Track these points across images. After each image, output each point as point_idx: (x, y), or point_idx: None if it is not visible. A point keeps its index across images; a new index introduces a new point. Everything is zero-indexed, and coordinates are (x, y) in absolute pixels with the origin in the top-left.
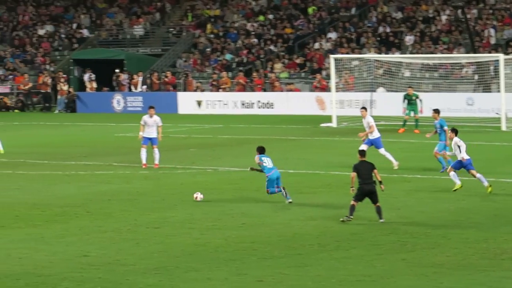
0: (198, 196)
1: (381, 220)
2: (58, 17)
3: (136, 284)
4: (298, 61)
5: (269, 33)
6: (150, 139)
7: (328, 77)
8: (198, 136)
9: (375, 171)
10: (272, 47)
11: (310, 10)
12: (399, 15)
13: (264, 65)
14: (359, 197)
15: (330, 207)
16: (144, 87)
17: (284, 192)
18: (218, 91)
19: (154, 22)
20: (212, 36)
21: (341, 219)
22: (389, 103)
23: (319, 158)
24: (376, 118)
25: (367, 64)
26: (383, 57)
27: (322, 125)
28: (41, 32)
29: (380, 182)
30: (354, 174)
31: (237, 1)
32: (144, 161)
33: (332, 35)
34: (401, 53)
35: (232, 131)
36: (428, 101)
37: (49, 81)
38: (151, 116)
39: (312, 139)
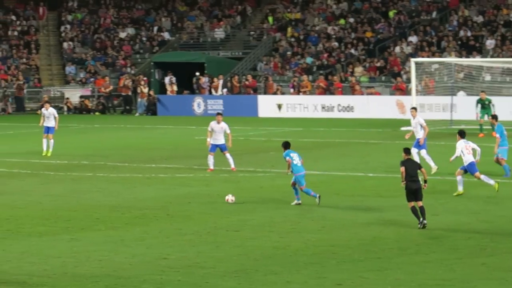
0: (229, 198)
1: (424, 222)
2: (140, 20)
3: (215, 287)
4: (378, 64)
5: (350, 36)
6: (218, 145)
7: (408, 80)
8: (278, 139)
9: (423, 169)
10: (352, 51)
11: (391, 13)
12: (480, 19)
13: (345, 69)
14: (410, 197)
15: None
16: (225, 90)
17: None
18: (298, 94)
19: (235, 25)
20: (292, 39)
21: (419, 227)
22: (469, 107)
23: (398, 162)
24: (456, 122)
25: (448, 68)
26: (464, 60)
27: (402, 128)
28: (122, 35)
29: (425, 181)
30: (403, 169)
31: (318, 5)
32: (211, 167)
33: (413, 38)
34: (482, 57)
35: (312, 134)
36: (509, 105)
37: (130, 84)
38: (218, 123)
39: (392, 142)
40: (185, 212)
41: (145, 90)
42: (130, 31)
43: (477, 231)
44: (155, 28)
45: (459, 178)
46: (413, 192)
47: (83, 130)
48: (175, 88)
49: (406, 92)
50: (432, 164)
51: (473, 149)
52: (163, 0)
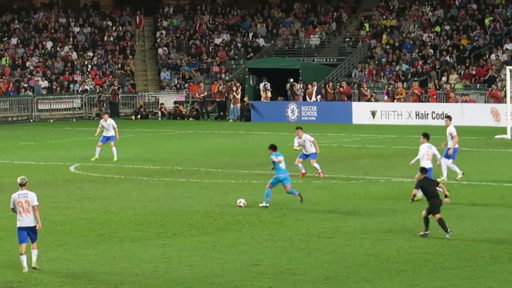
0: (242, 202)
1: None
2: (235, 26)
3: None
4: (473, 72)
5: (445, 43)
6: (307, 155)
7: (503, 88)
8: (372, 146)
9: (441, 185)
10: (447, 58)
11: (486, 21)
12: None
13: (439, 76)
14: (435, 210)
15: (503, 219)
16: (319, 96)
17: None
18: (392, 101)
19: (330, 31)
20: (388, 46)
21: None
22: None
23: (493, 170)
24: None
25: None
26: None
27: (497, 136)
28: (217, 41)
29: (446, 196)
30: (416, 191)
31: (413, 12)
32: (302, 170)
33: (509, 46)
34: None
35: (406, 141)
36: None
37: (224, 89)
38: (300, 137)
39: (486, 150)
40: (278, 218)
41: (238, 96)
42: (225, 37)
43: None
44: (251, 34)
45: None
46: (439, 206)
47: (177, 136)
48: (269, 94)
49: (500, 99)
50: (458, 170)
51: (434, 155)
52: (259, 6)
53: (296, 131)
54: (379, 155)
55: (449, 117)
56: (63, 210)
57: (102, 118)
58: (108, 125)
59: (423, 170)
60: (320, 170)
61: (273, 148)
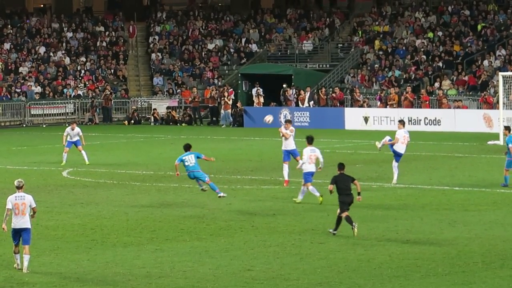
0: (269, 118)
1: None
2: (228, 32)
3: None
4: (466, 78)
5: (438, 49)
6: (290, 151)
7: (495, 94)
8: (364, 152)
9: (356, 182)
10: (440, 64)
11: (479, 27)
12: None
13: (432, 82)
14: (343, 207)
15: (496, 225)
16: (311, 102)
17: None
18: (385, 107)
19: (323, 37)
20: (380, 52)
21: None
22: None
23: (485, 176)
24: None
25: None
26: None
27: (489, 142)
28: (210, 46)
29: (359, 193)
30: (332, 187)
31: (406, 18)
32: (286, 178)
33: (501, 52)
34: None
35: None
36: None
37: (216, 95)
38: (286, 128)
39: (479, 156)
40: (270, 224)
41: (230, 101)
42: (218, 42)
43: None
44: (243, 40)
45: (303, 188)
46: (348, 204)
47: (169, 141)
48: (262, 99)
49: (493, 106)
50: (395, 176)
51: (317, 159)
52: (252, 12)
53: (285, 124)
54: (371, 161)
55: (401, 121)
56: (55, 215)
57: (70, 126)
58: (74, 134)
59: (340, 165)
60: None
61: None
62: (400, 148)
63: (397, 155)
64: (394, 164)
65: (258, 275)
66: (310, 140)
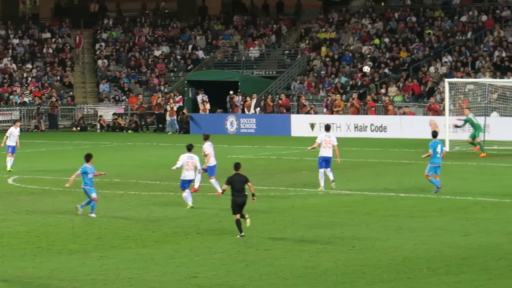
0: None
1: (242, 234)
2: (174, 39)
3: None
4: (412, 84)
5: (384, 56)
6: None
7: (442, 100)
8: (311, 159)
9: (249, 184)
10: (386, 71)
11: (426, 34)
12: None
13: (378, 89)
14: (236, 210)
15: (441, 231)
16: (258, 109)
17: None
18: (331, 113)
19: (270, 44)
20: (327, 59)
21: (238, 237)
22: (502, 128)
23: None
24: (489, 143)
25: (482, 88)
26: (498, 81)
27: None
28: (157, 53)
29: (253, 194)
30: (226, 187)
31: (353, 25)
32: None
33: (448, 59)
34: None
35: (344, 154)
36: None
37: (163, 102)
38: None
39: (425, 163)
40: (216, 231)
41: (175, 108)
42: (165, 49)
43: (508, 252)
44: (190, 47)
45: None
46: (240, 205)
47: (115, 148)
48: (207, 106)
49: (439, 112)
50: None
51: (195, 166)
52: (199, 18)
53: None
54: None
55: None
56: (0, 222)
57: (13, 126)
58: (16, 134)
59: (236, 165)
60: (219, 190)
61: None
62: (325, 152)
63: (323, 160)
64: (321, 170)
65: (204, 282)
66: (189, 148)
